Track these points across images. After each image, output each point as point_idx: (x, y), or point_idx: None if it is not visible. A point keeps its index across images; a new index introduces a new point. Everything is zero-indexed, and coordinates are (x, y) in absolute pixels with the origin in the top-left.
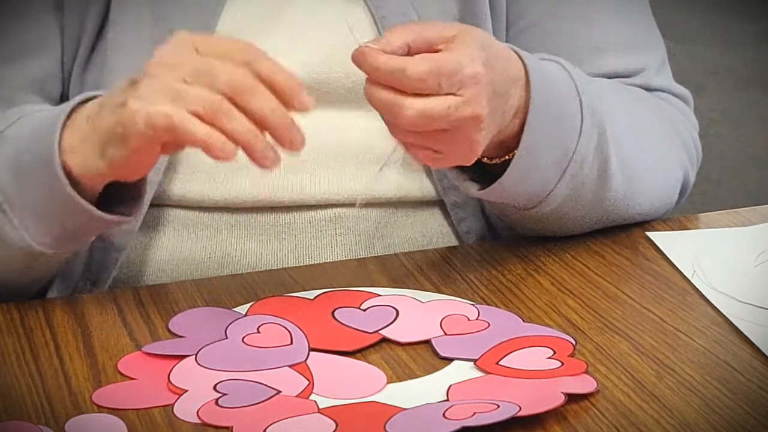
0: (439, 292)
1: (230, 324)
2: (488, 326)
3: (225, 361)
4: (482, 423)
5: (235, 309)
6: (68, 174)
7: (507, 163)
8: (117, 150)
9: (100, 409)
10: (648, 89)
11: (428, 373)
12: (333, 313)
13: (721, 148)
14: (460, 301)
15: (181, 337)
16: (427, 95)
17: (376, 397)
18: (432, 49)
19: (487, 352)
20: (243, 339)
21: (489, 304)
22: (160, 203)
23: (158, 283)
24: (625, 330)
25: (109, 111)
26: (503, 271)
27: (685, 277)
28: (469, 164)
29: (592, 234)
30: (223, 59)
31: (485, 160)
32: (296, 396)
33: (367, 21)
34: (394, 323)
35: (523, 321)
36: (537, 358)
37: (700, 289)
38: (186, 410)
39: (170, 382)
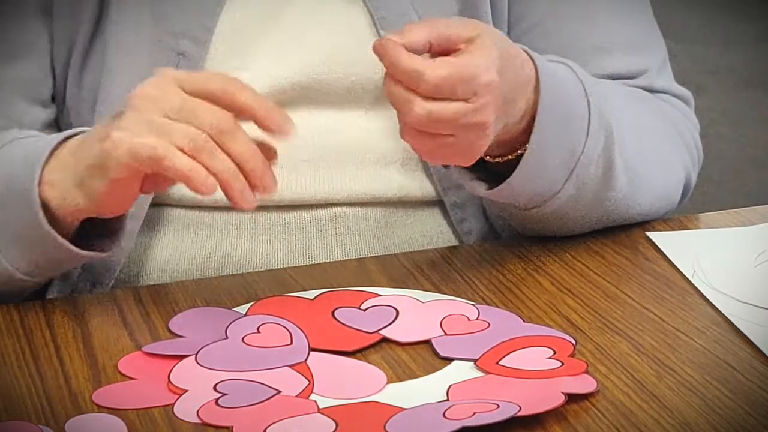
0: (439, 292)
1: (230, 324)
2: (488, 326)
3: (225, 361)
4: (482, 423)
5: (235, 309)
6: (46, 207)
7: (511, 162)
8: (97, 182)
9: (100, 409)
10: (650, 90)
11: (428, 373)
12: (333, 313)
13: (721, 148)
14: (460, 301)
15: (181, 337)
16: (440, 98)
17: (376, 397)
18: (452, 48)
19: (487, 352)
20: (243, 339)
21: (489, 304)
22: (160, 203)
23: (158, 282)
24: (625, 330)
25: (92, 143)
26: (503, 271)
27: (685, 277)
28: (468, 165)
29: (592, 234)
30: (204, 96)
31: (488, 158)
32: (296, 396)
33: (366, 22)
34: (394, 323)
35: (523, 321)
36: (537, 358)
37: (700, 289)
38: (186, 410)
39: (170, 382)
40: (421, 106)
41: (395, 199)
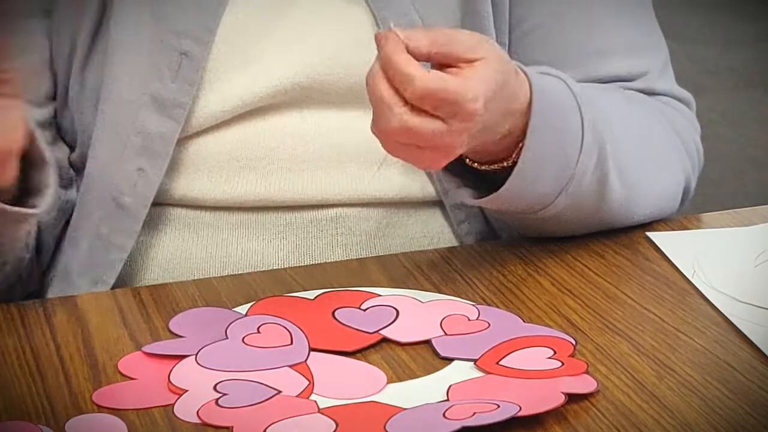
0: (439, 292)
1: (230, 324)
2: (488, 326)
3: (225, 361)
4: (482, 423)
5: (235, 309)
6: None
7: (500, 169)
8: None
9: (100, 409)
10: (651, 93)
11: (428, 373)
12: (333, 313)
13: (721, 148)
14: (460, 301)
15: (181, 337)
16: (418, 110)
17: (376, 397)
18: (452, 65)
19: (487, 352)
20: (243, 339)
21: (489, 304)
22: (161, 202)
23: (158, 282)
24: (625, 330)
25: None
26: (503, 272)
27: (685, 277)
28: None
29: (593, 234)
30: None
31: (476, 165)
32: (296, 396)
33: (368, 22)
34: (394, 323)
35: (524, 321)
36: (537, 358)
37: (700, 289)
38: (186, 410)
39: (170, 382)
40: (400, 118)
41: (396, 199)
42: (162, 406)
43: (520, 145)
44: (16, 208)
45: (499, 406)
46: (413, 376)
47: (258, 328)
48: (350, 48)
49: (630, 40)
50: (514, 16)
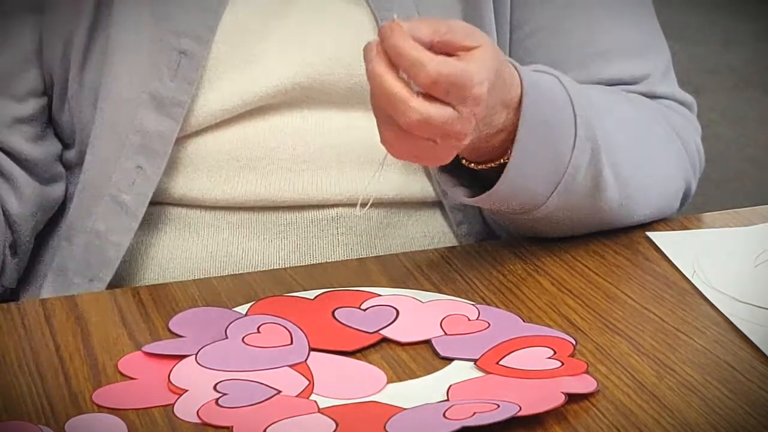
0: (439, 292)
1: (230, 324)
2: (488, 326)
3: (225, 361)
4: (482, 423)
5: (235, 309)
6: None
7: (496, 168)
8: None
9: (100, 409)
10: (652, 96)
11: (428, 373)
12: (333, 313)
13: (721, 148)
14: (460, 301)
15: (181, 337)
16: (430, 98)
17: (376, 397)
18: (451, 54)
19: (487, 352)
20: (243, 339)
21: (489, 304)
22: (161, 201)
23: (158, 282)
24: (625, 330)
25: None
26: (503, 271)
27: (685, 277)
28: (437, 166)
29: (593, 234)
30: None
31: (472, 165)
32: (296, 396)
33: (369, 22)
34: (394, 323)
35: (524, 321)
36: (537, 358)
37: (700, 289)
38: (186, 410)
39: (170, 382)
40: (417, 110)
41: (396, 199)
42: (162, 406)
43: (512, 145)
44: None
45: (499, 406)
46: (413, 376)
47: (258, 328)
48: (351, 48)
49: (632, 44)
50: (515, 18)
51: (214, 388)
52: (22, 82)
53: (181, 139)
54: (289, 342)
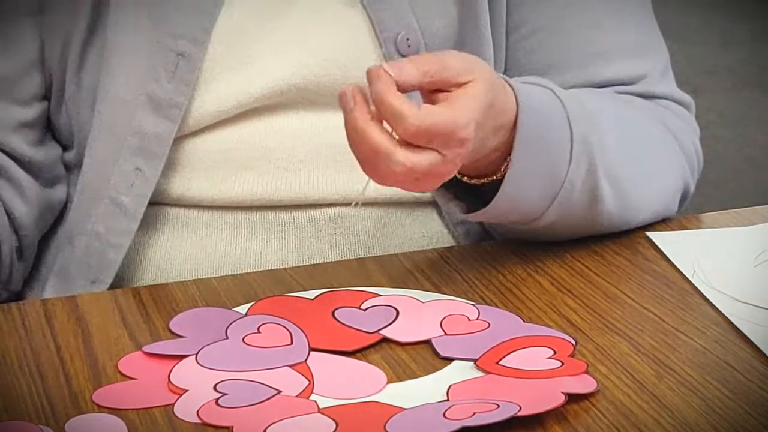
0: (439, 292)
1: (230, 324)
2: (488, 326)
3: (225, 361)
4: (482, 423)
5: (235, 309)
6: None
7: (491, 183)
8: None
9: (101, 409)
10: (650, 97)
11: (428, 373)
12: (333, 313)
13: (719, 148)
14: (460, 301)
15: (181, 337)
16: (413, 146)
17: (376, 397)
18: (443, 89)
19: (487, 352)
20: (243, 339)
21: (489, 304)
22: (158, 202)
23: (158, 282)
24: (625, 330)
25: None
26: (503, 271)
27: (685, 277)
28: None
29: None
30: None
31: (466, 179)
32: (296, 396)
33: (365, 24)
34: (394, 323)
35: (524, 321)
36: (537, 358)
37: (700, 289)
38: (186, 410)
39: (170, 382)
40: (401, 162)
41: (394, 199)
42: (162, 406)
43: (508, 159)
44: None
45: (499, 406)
46: (413, 376)
47: (258, 328)
48: (347, 49)
49: (630, 44)
50: (512, 19)
51: (214, 388)
52: (26, 86)
53: (179, 140)
54: (289, 342)
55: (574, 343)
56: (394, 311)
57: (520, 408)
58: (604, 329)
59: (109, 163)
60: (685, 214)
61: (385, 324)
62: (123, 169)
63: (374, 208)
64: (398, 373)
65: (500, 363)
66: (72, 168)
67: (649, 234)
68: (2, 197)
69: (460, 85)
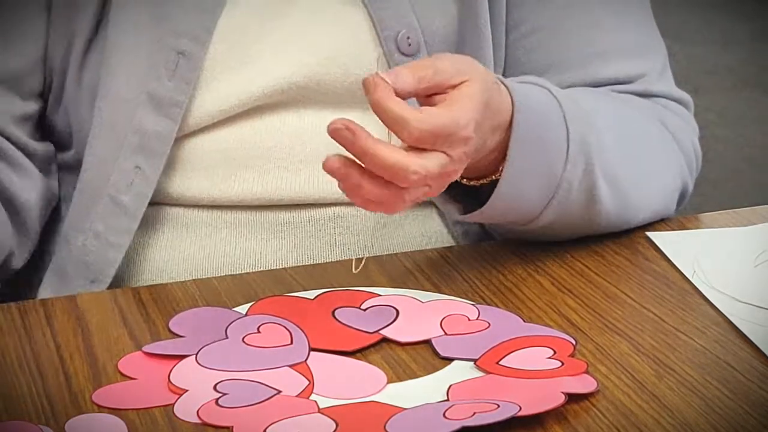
0: (439, 292)
1: (230, 324)
2: (488, 326)
3: (225, 361)
4: (482, 423)
5: (235, 309)
6: None
7: (488, 183)
8: None
9: (101, 409)
10: (648, 95)
11: (428, 373)
12: (333, 313)
13: (719, 148)
14: (460, 301)
15: (181, 336)
16: (420, 150)
17: (376, 397)
18: (439, 92)
19: (487, 352)
20: (243, 339)
21: (489, 304)
22: (158, 201)
23: (157, 282)
24: (625, 330)
25: None
26: (503, 271)
27: (685, 277)
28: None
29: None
30: None
31: (464, 181)
32: (296, 396)
33: (365, 23)
34: (394, 323)
35: (524, 321)
36: (537, 358)
37: (700, 289)
38: (186, 410)
39: (170, 382)
40: (418, 171)
41: None
42: (162, 406)
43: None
44: None
45: (499, 406)
46: (413, 376)
47: (258, 328)
48: (347, 48)
49: (629, 44)
50: (512, 17)
51: (214, 388)
52: (29, 82)
53: (179, 139)
54: (289, 342)
55: (574, 343)
56: (394, 311)
57: (520, 408)
58: (604, 329)
59: (109, 161)
60: (684, 214)
61: (385, 324)
62: (123, 168)
63: None
64: (398, 373)
65: (500, 363)
66: (70, 168)
67: (649, 234)
68: (10, 181)
69: (455, 86)
